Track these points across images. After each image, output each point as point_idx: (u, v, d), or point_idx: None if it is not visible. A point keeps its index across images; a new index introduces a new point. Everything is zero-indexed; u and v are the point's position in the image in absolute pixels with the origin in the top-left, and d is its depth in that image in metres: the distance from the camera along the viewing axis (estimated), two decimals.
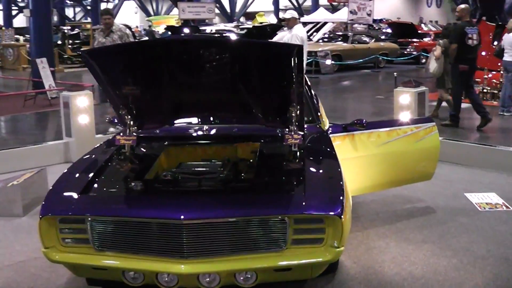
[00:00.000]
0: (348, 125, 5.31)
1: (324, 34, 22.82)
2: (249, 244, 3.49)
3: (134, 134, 4.37)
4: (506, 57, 10.98)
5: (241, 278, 3.55)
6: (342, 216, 3.46)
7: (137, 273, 3.53)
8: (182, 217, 3.37)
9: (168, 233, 3.43)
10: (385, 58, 22.07)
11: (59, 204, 3.59)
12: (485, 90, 12.88)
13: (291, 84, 4.09)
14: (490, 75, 12.91)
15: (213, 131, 4.84)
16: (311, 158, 4.32)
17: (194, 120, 4.94)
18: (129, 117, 4.30)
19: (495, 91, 12.65)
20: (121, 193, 3.82)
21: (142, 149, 4.60)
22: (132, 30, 18.27)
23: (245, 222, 3.47)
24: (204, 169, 4.17)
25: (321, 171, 4.15)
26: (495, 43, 13.37)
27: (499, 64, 12.30)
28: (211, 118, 4.87)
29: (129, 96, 4.21)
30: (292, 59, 3.83)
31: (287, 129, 4.40)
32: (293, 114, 4.31)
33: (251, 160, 4.48)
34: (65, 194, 3.69)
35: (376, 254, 4.76)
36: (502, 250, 4.82)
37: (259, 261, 3.49)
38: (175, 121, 4.81)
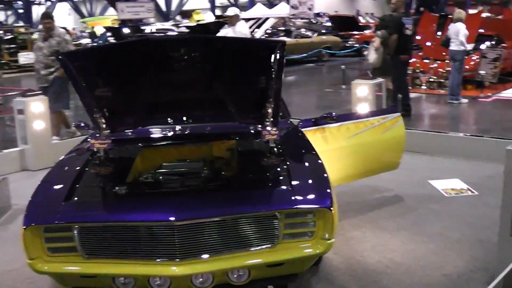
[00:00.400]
0: (318, 119, 5.40)
1: (266, 30, 22.95)
2: (241, 241, 3.51)
3: (109, 137, 4.32)
4: (453, 47, 11.38)
5: (234, 276, 3.56)
6: (332, 208, 3.54)
7: (128, 278, 3.48)
8: (173, 218, 3.37)
9: (159, 235, 3.41)
10: (328, 51, 22.39)
11: (43, 213, 3.50)
12: (431, 80, 13.29)
13: (270, 80, 4.14)
14: (435, 65, 13.31)
15: (187, 131, 4.83)
16: (290, 152, 4.38)
17: (168, 120, 4.93)
18: (103, 120, 4.25)
19: (442, 80, 13.08)
20: (107, 198, 3.77)
21: (117, 152, 4.55)
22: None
23: (237, 220, 3.50)
24: (186, 169, 4.17)
25: (303, 165, 4.22)
26: (439, 33, 13.78)
27: (444, 53, 12.73)
28: (185, 118, 4.87)
29: (105, 98, 4.17)
30: (273, 55, 3.89)
31: (260, 125, 4.46)
32: (269, 110, 4.37)
33: (231, 158, 4.51)
34: (48, 202, 3.62)
35: (355, 244, 4.88)
36: (475, 233, 5.04)
37: (252, 258, 3.51)
38: (149, 122, 4.77)
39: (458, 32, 11.25)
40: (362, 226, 5.29)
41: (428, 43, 13.91)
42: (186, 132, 4.82)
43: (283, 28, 23.95)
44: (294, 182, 3.76)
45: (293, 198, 3.59)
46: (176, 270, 3.38)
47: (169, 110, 4.67)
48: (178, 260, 3.39)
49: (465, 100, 11.67)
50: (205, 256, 3.44)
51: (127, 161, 4.42)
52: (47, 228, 3.42)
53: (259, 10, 26.90)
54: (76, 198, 3.67)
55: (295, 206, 3.56)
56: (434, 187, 6.35)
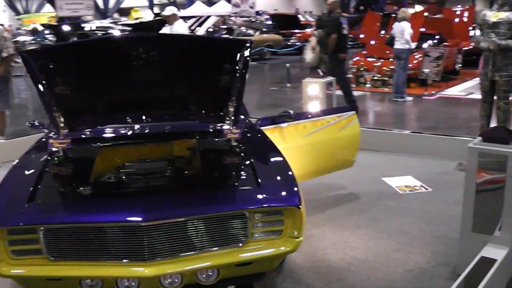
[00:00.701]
0: (276, 118, 5.41)
1: (208, 28, 22.86)
2: (210, 241, 3.48)
3: (67, 137, 4.20)
4: (397, 45, 11.62)
5: (203, 276, 3.53)
6: (300, 206, 3.54)
7: (94, 280, 3.40)
8: (141, 219, 3.30)
9: (127, 236, 3.34)
10: (270, 49, 22.48)
11: (6, 216, 3.38)
12: (375, 78, 13.54)
13: (233, 79, 4.12)
14: (379, 63, 13.56)
15: (147, 130, 4.75)
16: (253, 151, 4.36)
17: (128, 119, 4.82)
18: (62, 119, 4.12)
19: (386, 79, 13.34)
20: (72, 199, 3.65)
21: (76, 152, 4.41)
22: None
23: (206, 220, 3.46)
24: (149, 168, 4.08)
25: (268, 163, 4.20)
26: (382, 32, 14.06)
27: (387, 52, 12.99)
28: (145, 117, 4.77)
29: (64, 97, 4.04)
30: (239, 54, 3.87)
31: (221, 124, 4.44)
32: (231, 109, 4.35)
33: (192, 157, 4.45)
34: (11, 204, 3.49)
35: (316, 242, 4.90)
36: (433, 228, 5.13)
37: (222, 258, 3.49)
38: (108, 122, 4.66)
39: (403, 31, 11.50)
40: (321, 224, 5.31)
41: (372, 42, 14.13)
42: (146, 131, 4.73)
43: (224, 27, 23.90)
44: (261, 181, 3.75)
45: (261, 196, 3.58)
46: (144, 271, 3.32)
47: (129, 109, 4.58)
48: (146, 261, 3.33)
49: (409, 98, 11.94)
50: (174, 256, 3.39)
51: (87, 161, 4.30)
52: (11, 230, 3.31)
53: (198, 8, 26.71)
54: (39, 200, 3.54)
55: (264, 205, 3.54)
56: (388, 185, 6.45)
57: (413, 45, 11.96)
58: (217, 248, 3.48)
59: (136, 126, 4.73)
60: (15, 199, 3.53)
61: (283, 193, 3.65)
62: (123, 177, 3.95)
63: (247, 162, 4.09)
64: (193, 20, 22.91)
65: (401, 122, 10.16)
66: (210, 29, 22.50)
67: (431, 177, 6.63)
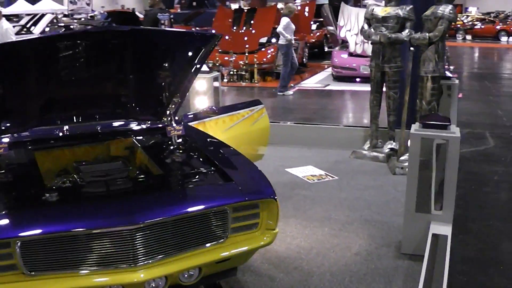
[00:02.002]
0: (198, 113, 5.44)
1: (45, 27, 21.79)
2: (195, 239, 3.44)
3: (4, 141, 3.93)
4: (280, 41, 12.11)
5: (185, 276, 3.49)
6: (276, 198, 3.64)
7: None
8: (129, 221, 3.17)
9: (113, 241, 3.18)
10: None
11: None
12: (231, 73, 13.86)
13: (185, 75, 4.16)
14: (234, 58, 13.88)
15: (83, 131, 4.53)
16: (205, 147, 4.38)
17: (61, 120, 4.56)
18: None
19: (243, 73, 13.73)
20: (43, 207, 3.36)
21: (7, 157, 4.09)
22: None
23: (190, 218, 3.41)
24: (107, 170, 3.89)
25: (227, 158, 4.22)
26: (235, 27, 14.43)
27: (246, 46, 13.43)
28: (82, 117, 4.56)
29: None
30: (203, 49, 3.93)
31: (159, 121, 4.44)
32: (172, 106, 4.35)
33: (145, 156, 4.35)
34: None
35: None
36: (358, 213, 5.48)
37: (207, 255, 3.46)
38: (40, 123, 4.38)
39: (286, 26, 12.03)
40: None
41: (226, 37, 14.41)
42: (83, 132, 4.52)
43: (62, 24, 22.84)
44: (231, 176, 3.78)
45: (239, 191, 3.62)
46: (134, 276, 3.19)
47: (63, 109, 4.35)
48: (135, 265, 3.20)
49: (290, 92, 12.65)
50: (161, 258, 3.30)
51: (24, 165, 4.03)
52: None
53: (21, 6, 25.34)
54: (3, 210, 3.21)
55: (246, 199, 3.58)
56: (294, 175, 6.72)
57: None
58: (200, 246, 3.45)
59: (68, 127, 4.50)
60: None
61: (258, 186, 3.73)
62: (84, 181, 3.75)
63: (206, 158, 4.10)
64: (27, 18, 21.79)
65: (277, 115, 10.50)
66: (47, 28, 21.44)
67: (330, 165, 7.02)
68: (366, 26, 7.19)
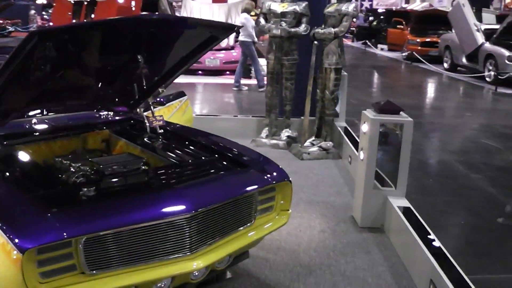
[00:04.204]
0: (148, 104, 5.47)
1: None
2: (232, 224, 3.57)
3: None
4: (244, 38, 12.27)
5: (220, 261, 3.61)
6: (290, 180, 3.94)
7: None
8: (187, 209, 3.21)
9: (171, 231, 3.19)
10: None
11: (32, 232, 2.82)
12: None
13: (185, 64, 4.26)
14: None
15: (53, 123, 4.37)
16: (188, 136, 4.50)
17: (32, 112, 4.36)
18: None
19: None
20: (98, 203, 3.21)
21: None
22: None
23: (232, 203, 3.54)
24: (124, 162, 3.78)
25: (227, 146, 4.35)
26: (74, 20, 13.97)
27: None
28: (47, 109, 4.40)
29: None
30: (218, 39, 4.06)
31: (131, 112, 4.51)
32: (156, 95, 4.45)
33: (107, 149, 4.37)
34: (22, 218, 2.94)
35: None
36: (301, 196, 5.84)
37: (243, 239, 3.62)
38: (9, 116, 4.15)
39: (245, 23, 12.09)
40: None
41: None
42: (53, 125, 4.37)
43: None
44: (245, 162, 3.98)
45: (264, 175, 3.84)
46: (192, 265, 3.24)
47: (35, 101, 4.18)
48: (190, 254, 3.24)
49: (245, 88, 12.82)
50: (211, 244, 3.40)
51: (14, 162, 3.82)
52: (43, 248, 2.76)
53: None
54: (55, 209, 3.00)
55: (273, 182, 3.82)
56: None
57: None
58: (236, 231, 3.60)
59: (44, 120, 4.35)
60: (18, 211, 3.01)
61: (273, 170, 3.96)
62: (108, 173, 3.63)
63: (205, 147, 4.24)
64: None
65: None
66: None
67: None
68: (263, 21, 7.61)
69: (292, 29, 7.31)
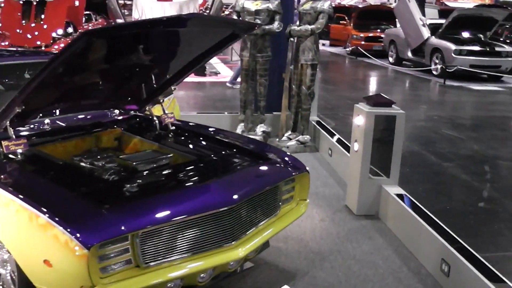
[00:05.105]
0: None
1: None
2: (263, 214, 3.79)
3: (20, 136, 3.84)
4: None
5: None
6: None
7: (177, 280, 3.23)
8: (232, 200, 3.39)
9: (217, 221, 3.37)
10: None
11: (93, 228, 2.92)
12: None
13: (202, 61, 4.42)
14: None
15: (65, 123, 4.47)
16: (198, 132, 4.68)
17: (57, 111, 4.45)
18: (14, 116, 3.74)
19: None
20: (147, 198, 3.30)
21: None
22: None
23: (263, 194, 3.76)
24: (152, 159, 3.88)
25: (235, 139, 4.57)
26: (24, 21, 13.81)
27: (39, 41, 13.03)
28: (60, 109, 4.48)
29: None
30: (238, 37, 4.22)
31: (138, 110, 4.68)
32: (162, 94, 4.62)
33: (118, 147, 4.54)
34: (80, 214, 3.06)
35: None
36: None
37: (275, 228, 3.84)
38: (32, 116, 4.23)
39: None
40: None
41: (18, 31, 13.66)
42: (66, 124, 4.48)
43: None
44: (267, 155, 4.20)
45: (287, 167, 4.08)
46: (236, 253, 3.43)
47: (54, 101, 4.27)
48: (233, 243, 3.44)
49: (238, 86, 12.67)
50: (249, 233, 3.61)
51: (43, 161, 3.91)
52: (104, 243, 2.88)
53: None
54: (107, 205, 3.12)
55: (296, 173, 4.07)
56: None
57: (60, 31, 12.66)
58: (266, 220, 3.83)
59: (57, 121, 4.47)
60: (73, 208, 3.13)
61: (294, 162, 4.21)
62: (141, 169, 3.76)
63: (220, 142, 4.44)
64: None
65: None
66: None
67: None
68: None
69: (266, 27, 7.53)
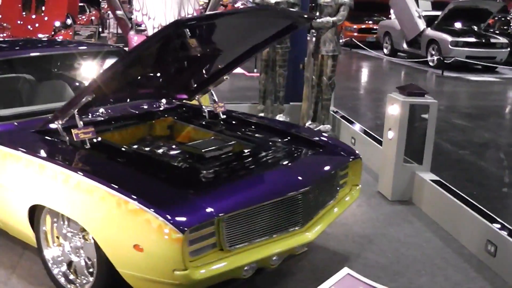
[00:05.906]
0: None
1: None
2: (325, 199, 3.99)
3: (88, 125, 3.96)
4: None
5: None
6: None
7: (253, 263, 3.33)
8: (305, 183, 3.57)
9: (290, 205, 3.52)
10: None
11: (188, 213, 3.04)
12: None
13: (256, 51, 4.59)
14: None
15: (118, 112, 4.61)
16: (247, 120, 4.87)
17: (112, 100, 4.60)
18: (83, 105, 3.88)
19: None
20: (229, 183, 3.47)
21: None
22: None
23: (325, 179, 3.96)
24: (220, 147, 3.98)
25: (286, 127, 4.77)
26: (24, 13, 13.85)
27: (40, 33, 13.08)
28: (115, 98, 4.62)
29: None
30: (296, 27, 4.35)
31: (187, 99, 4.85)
32: (214, 83, 4.79)
33: (170, 135, 4.69)
34: (176, 201, 3.18)
35: None
36: None
37: (334, 212, 4.04)
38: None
39: None
40: None
41: (18, 22, 13.70)
42: (121, 114, 4.64)
43: None
44: (322, 142, 4.39)
45: (342, 153, 4.30)
46: (306, 237, 3.61)
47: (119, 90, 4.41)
48: (302, 226, 3.62)
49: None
50: (314, 217, 3.79)
51: (112, 148, 4.04)
52: (194, 228, 2.99)
53: None
54: (191, 191, 3.28)
55: (349, 159, 4.29)
56: None
57: (57, 23, 12.62)
58: (327, 205, 4.02)
59: (108, 109, 4.61)
60: (161, 194, 3.26)
61: (348, 149, 4.43)
62: (210, 157, 3.88)
63: (274, 130, 4.62)
64: None
65: None
66: None
67: None
68: None
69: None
